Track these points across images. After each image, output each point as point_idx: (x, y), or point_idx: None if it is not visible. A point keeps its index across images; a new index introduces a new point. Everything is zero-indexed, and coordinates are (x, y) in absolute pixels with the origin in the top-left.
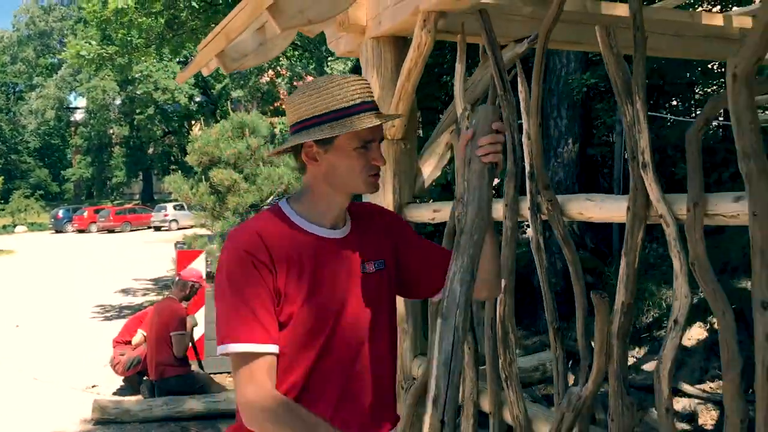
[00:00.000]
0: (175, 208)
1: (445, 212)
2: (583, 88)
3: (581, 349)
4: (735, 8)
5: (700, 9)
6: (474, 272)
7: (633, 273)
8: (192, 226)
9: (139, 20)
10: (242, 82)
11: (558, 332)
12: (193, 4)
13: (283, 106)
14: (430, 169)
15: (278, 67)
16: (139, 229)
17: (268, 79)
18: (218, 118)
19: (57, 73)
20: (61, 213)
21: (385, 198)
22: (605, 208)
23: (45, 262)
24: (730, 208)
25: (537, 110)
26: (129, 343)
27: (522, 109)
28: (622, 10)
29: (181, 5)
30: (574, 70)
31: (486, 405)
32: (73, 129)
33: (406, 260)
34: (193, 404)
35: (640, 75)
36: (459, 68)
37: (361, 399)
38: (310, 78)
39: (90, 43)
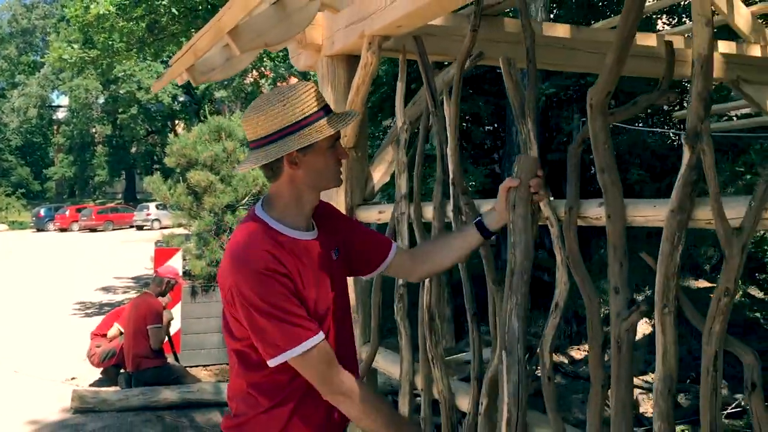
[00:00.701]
0: (157, 207)
1: (388, 213)
2: (542, 97)
3: (491, 328)
4: (667, 28)
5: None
6: (527, 309)
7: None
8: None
9: (120, 24)
10: (225, 82)
11: (475, 317)
12: (173, 10)
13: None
14: (379, 175)
15: (262, 68)
16: (121, 228)
17: (252, 80)
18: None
19: (39, 71)
20: (42, 212)
21: (337, 200)
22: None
23: (26, 260)
24: (595, 212)
25: (455, 128)
26: (105, 335)
27: (448, 124)
28: (563, 30)
29: (162, 11)
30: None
31: (419, 382)
32: (55, 127)
33: (351, 243)
34: (168, 394)
35: (532, 100)
36: (399, 86)
37: (355, 362)
38: (294, 79)
39: (72, 47)
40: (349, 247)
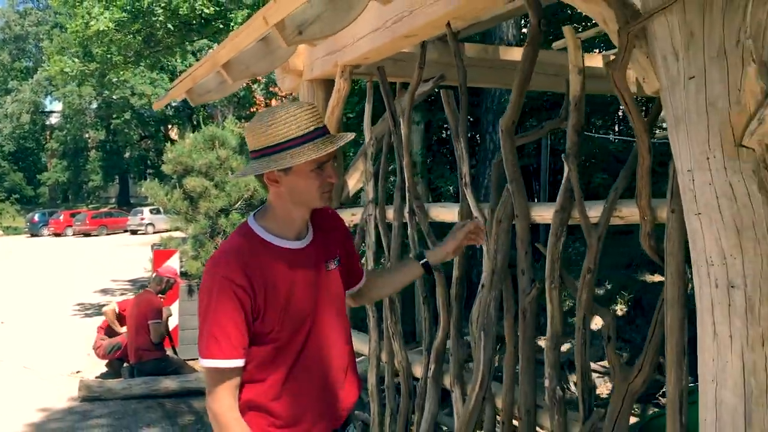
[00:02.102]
0: (151, 212)
1: (359, 215)
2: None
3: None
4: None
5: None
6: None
7: (462, 257)
8: (168, 230)
9: (118, 38)
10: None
11: (426, 300)
12: (168, 25)
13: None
14: (353, 182)
15: None
16: (115, 233)
17: (244, 85)
18: (194, 123)
19: (32, 77)
20: (36, 217)
21: None
22: (450, 212)
23: (23, 264)
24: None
25: (407, 146)
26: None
27: (402, 142)
28: (519, 54)
29: (158, 25)
30: (506, 90)
31: (384, 357)
32: (48, 133)
33: (346, 260)
34: (168, 383)
35: (464, 123)
36: (367, 107)
37: (341, 370)
38: None
39: (73, 60)
40: (345, 262)
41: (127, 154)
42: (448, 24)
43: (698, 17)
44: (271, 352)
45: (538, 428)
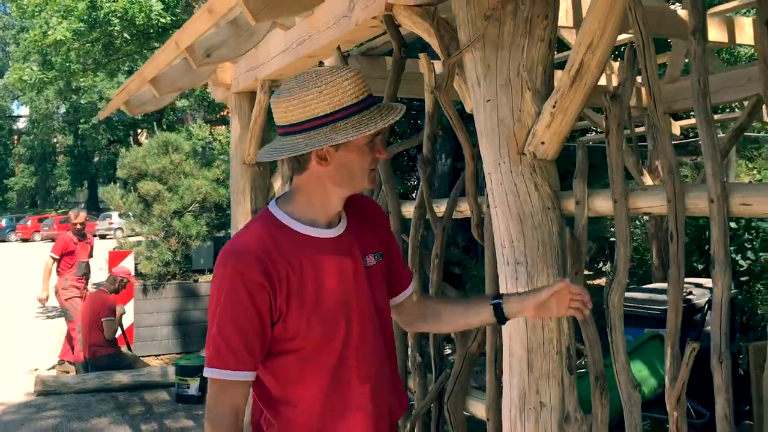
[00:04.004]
0: (120, 216)
1: None
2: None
3: None
4: None
5: None
6: None
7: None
8: (138, 234)
9: (76, 46)
10: (187, 92)
11: None
12: (125, 35)
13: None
14: (278, 185)
15: None
16: None
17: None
18: (164, 127)
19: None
20: (3, 222)
21: (244, 205)
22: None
23: None
24: (441, 209)
25: None
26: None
27: None
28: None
29: (115, 34)
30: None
31: None
32: (15, 137)
33: (388, 260)
34: (121, 377)
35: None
36: None
37: (385, 386)
38: None
39: (32, 68)
40: (388, 259)
41: (96, 159)
42: (338, 47)
43: (493, 54)
44: (296, 365)
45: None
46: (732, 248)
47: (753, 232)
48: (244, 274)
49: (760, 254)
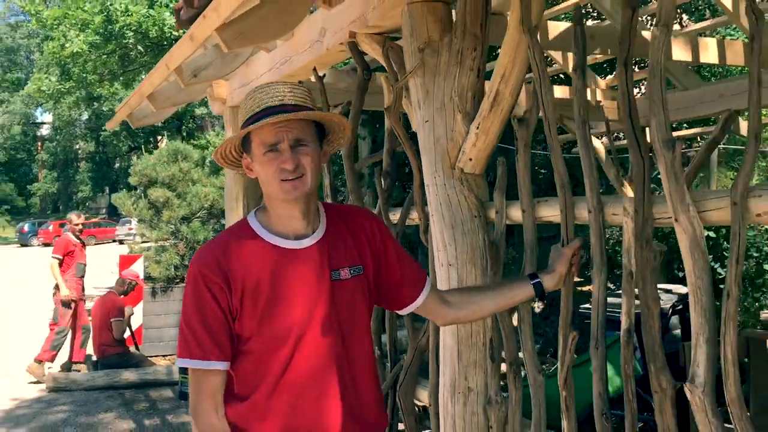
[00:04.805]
0: (139, 222)
1: None
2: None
3: None
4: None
5: None
6: None
7: None
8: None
9: (93, 58)
10: (206, 99)
11: None
12: (139, 48)
13: None
14: None
15: None
16: (103, 243)
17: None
18: (184, 134)
19: (23, 89)
20: (26, 227)
21: (237, 210)
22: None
23: (8, 273)
24: (395, 217)
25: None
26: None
27: None
28: None
29: (130, 46)
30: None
31: None
32: (39, 144)
33: (385, 272)
34: (128, 375)
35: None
36: None
37: (338, 403)
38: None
39: (50, 79)
40: (377, 274)
41: (116, 165)
42: (315, 69)
43: (430, 80)
44: (250, 367)
45: None
46: (711, 257)
47: None
48: (204, 273)
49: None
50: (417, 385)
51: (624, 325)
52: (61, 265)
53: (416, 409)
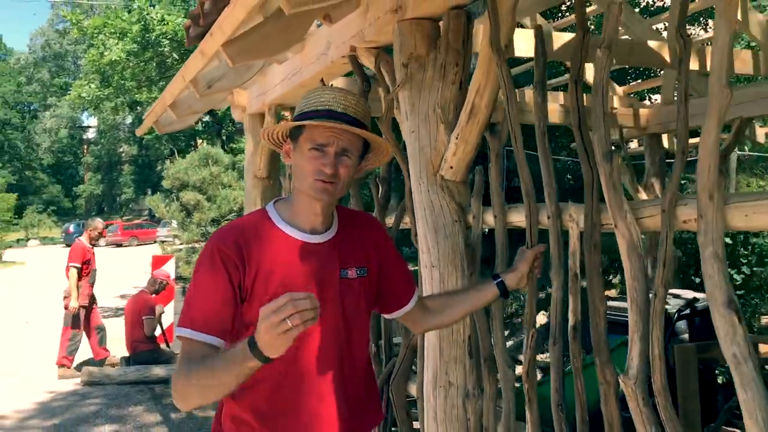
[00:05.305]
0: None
1: None
2: None
3: None
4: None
5: None
6: None
7: None
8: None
9: (131, 65)
10: None
11: None
12: (174, 55)
13: None
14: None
15: None
16: (145, 244)
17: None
18: (223, 138)
19: (70, 93)
20: (72, 227)
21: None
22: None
23: (53, 272)
24: (390, 221)
25: None
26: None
27: None
28: None
29: (166, 53)
30: None
31: None
32: (85, 147)
33: (384, 278)
34: (158, 371)
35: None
36: None
37: (338, 398)
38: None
39: (90, 86)
40: (378, 278)
41: (158, 168)
42: (322, 80)
43: (416, 94)
44: None
45: None
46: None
47: (749, 247)
48: (221, 250)
49: (756, 269)
50: (409, 380)
51: (571, 322)
52: (80, 272)
53: (407, 402)
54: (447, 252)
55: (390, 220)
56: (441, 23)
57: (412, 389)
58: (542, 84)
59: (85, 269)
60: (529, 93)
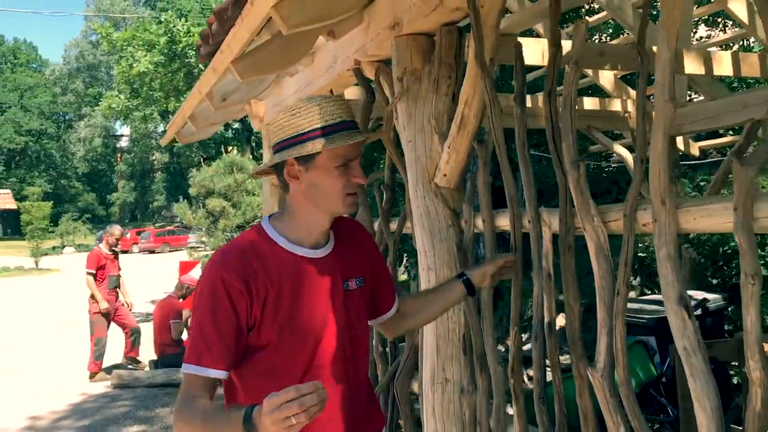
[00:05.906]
0: None
1: None
2: None
3: None
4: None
5: None
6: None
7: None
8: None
9: (159, 76)
10: None
11: None
12: (201, 66)
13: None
14: None
15: None
16: (177, 250)
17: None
18: (252, 145)
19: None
20: None
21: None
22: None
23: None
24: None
25: None
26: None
27: None
28: None
29: (193, 64)
30: None
31: None
32: (118, 155)
33: (373, 284)
34: None
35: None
36: None
37: (350, 409)
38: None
39: (119, 97)
40: (372, 286)
41: (189, 175)
42: (331, 90)
43: (413, 105)
44: (264, 376)
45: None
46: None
47: (766, 249)
48: (225, 278)
49: None
50: (412, 378)
51: (546, 319)
52: (95, 278)
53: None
54: (442, 255)
55: (393, 225)
56: (435, 38)
57: (415, 386)
58: (521, 96)
59: (101, 275)
60: (536, 99)
